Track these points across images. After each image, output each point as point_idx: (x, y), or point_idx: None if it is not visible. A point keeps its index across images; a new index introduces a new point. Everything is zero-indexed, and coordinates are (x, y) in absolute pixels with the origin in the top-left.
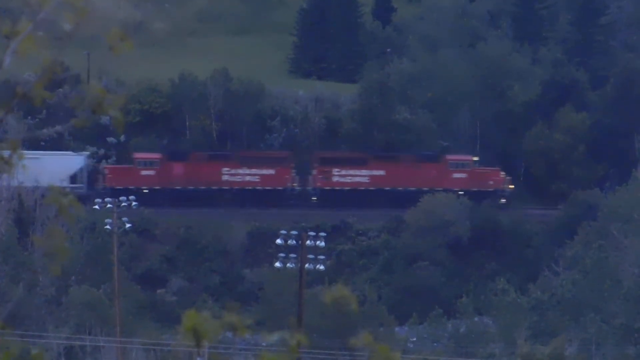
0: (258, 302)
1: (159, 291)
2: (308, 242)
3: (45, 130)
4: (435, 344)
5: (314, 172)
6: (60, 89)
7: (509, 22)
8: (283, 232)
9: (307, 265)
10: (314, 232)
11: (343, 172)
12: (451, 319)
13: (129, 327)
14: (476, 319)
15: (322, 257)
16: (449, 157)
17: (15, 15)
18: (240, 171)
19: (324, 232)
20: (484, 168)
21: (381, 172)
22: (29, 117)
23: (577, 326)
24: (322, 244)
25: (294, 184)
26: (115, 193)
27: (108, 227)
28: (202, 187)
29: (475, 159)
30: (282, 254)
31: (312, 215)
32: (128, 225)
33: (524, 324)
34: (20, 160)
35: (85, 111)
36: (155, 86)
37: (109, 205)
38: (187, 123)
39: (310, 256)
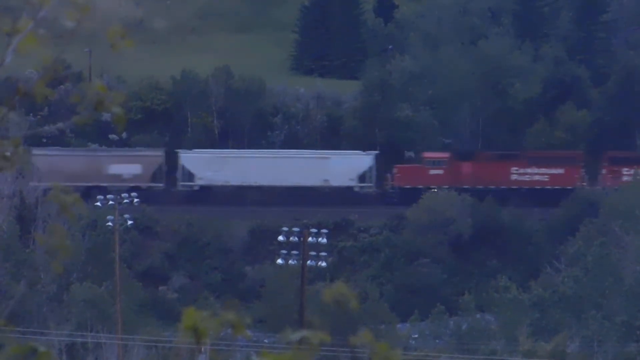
0: (260, 300)
1: (160, 288)
2: (310, 239)
3: (46, 128)
4: (437, 341)
5: (603, 171)
6: (62, 86)
7: (510, 19)
8: (285, 229)
9: (308, 262)
10: (315, 229)
11: (632, 172)
12: (453, 316)
13: (131, 325)
14: (478, 316)
15: (323, 254)
16: None
17: (16, 13)
18: (529, 170)
19: (326, 229)
20: None
21: None
22: (31, 114)
23: (578, 323)
24: (324, 240)
25: (583, 183)
26: (403, 192)
27: (110, 224)
28: (491, 187)
29: None
30: (283, 251)
31: (314, 212)
32: (130, 222)
33: (525, 321)
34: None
35: (87, 108)
36: (156, 83)
37: (110, 202)
38: (189, 120)
39: (312, 253)
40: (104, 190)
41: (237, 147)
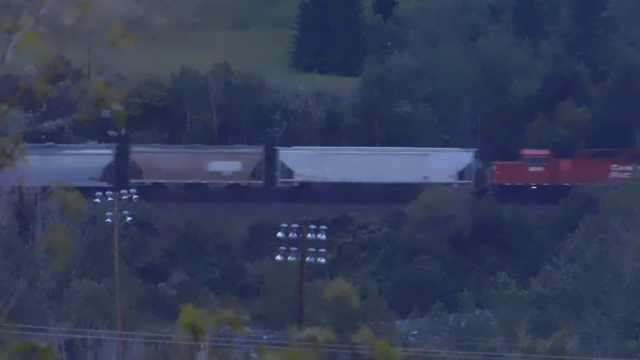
0: (259, 296)
1: (159, 285)
2: (309, 235)
3: (46, 124)
4: (436, 337)
5: None
6: (62, 83)
7: (510, 16)
8: (284, 225)
9: (308, 259)
10: (315, 225)
11: None
12: (452, 312)
13: (130, 321)
14: (477, 312)
15: (323, 250)
16: None
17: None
18: (629, 168)
19: (325, 225)
20: None
21: None
22: (30, 111)
23: (578, 320)
24: (323, 237)
25: None
26: (503, 189)
27: (109, 220)
28: (590, 184)
29: None
30: (283, 248)
31: (313, 208)
32: (129, 218)
33: (524, 317)
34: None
35: (87, 105)
36: (156, 80)
37: (109, 199)
38: (188, 117)
39: (311, 249)
40: (203, 188)
41: (236, 142)
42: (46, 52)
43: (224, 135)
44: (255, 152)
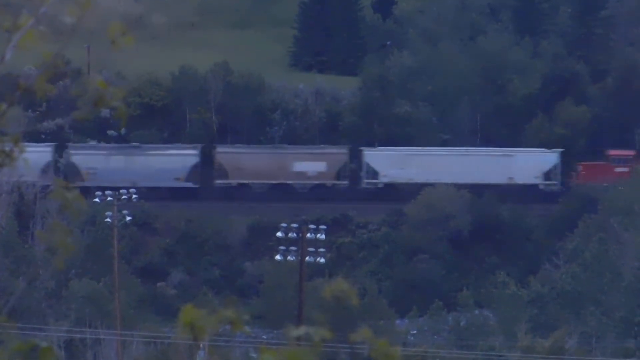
0: (258, 296)
1: (159, 284)
2: (308, 235)
3: (45, 123)
4: (435, 337)
5: None
6: (61, 82)
7: (509, 15)
8: (283, 225)
9: (307, 258)
10: (314, 225)
11: None
12: (451, 312)
13: (129, 321)
14: (476, 312)
15: (322, 250)
16: None
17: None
18: None
19: (325, 225)
20: None
21: None
22: (30, 110)
23: (577, 319)
24: (323, 236)
25: None
26: (588, 190)
27: (108, 220)
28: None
29: None
30: (282, 247)
31: (313, 208)
32: (128, 218)
33: (524, 317)
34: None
35: (87, 104)
36: (155, 79)
37: (109, 198)
38: (188, 116)
39: (311, 249)
40: (289, 188)
41: (235, 142)
42: (46, 51)
43: (223, 134)
44: (341, 153)
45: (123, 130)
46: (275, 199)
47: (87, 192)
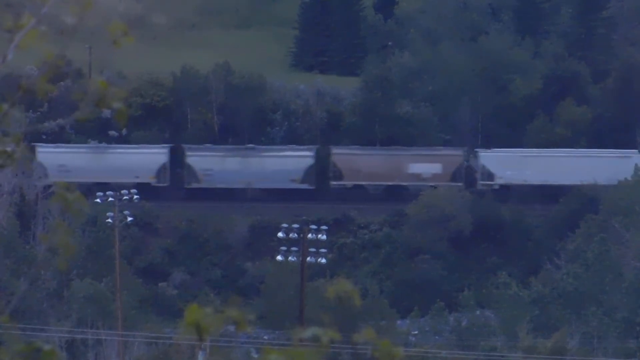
0: (259, 296)
1: (160, 285)
2: (310, 235)
3: (46, 124)
4: (436, 337)
5: None
6: (62, 82)
7: (510, 15)
8: (285, 225)
9: (308, 259)
10: (315, 225)
11: None
12: (453, 312)
13: (131, 321)
14: (478, 312)
15: (323, 250)
16: None
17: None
18: None
19: (326, 225)
20: None
21: None
22: (31, 111)
23: (578, 319)
24: (324, 237)
25: None
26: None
27: (109, 220)
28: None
29: None
30: (283, 248)
31: (314, 208)
32: (130, 218)
33: (525, 317)
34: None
35: (88, 105)
36: (156, 79)
37: (110, 199)
38: (189, 116)
39: (312, 249)
40: (403, 190)
41: (236, 142)
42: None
43: (224, 135)
44: (456, 155)
45: (124, 131)
46: (275, 199)
47: (203, 193)
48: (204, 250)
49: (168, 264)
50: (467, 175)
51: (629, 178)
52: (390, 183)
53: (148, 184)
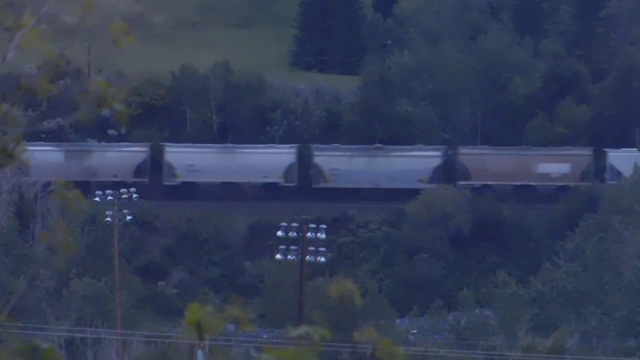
0: (259, 295)
1: (159, 284)
2: (309, 234)
3: (46, 123)
4: (436, 336)
5: None
6: (62, 81)
7: (510, 14)
8: (284, 224)
9: (307, 258)
10: (314, 224)
11: None
12: (452, 311)
13: (130, 320)
14: (477, 311)
15: (322, 249)
16: None
17: (19, 9)
18: None
19: (325, 224)
20: None
21: None
22: (30, 110)
23: (578, 318)
24: (323, 236)
25: None
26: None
27: (109, 219)
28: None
29: None
30: (282, 246)
31: (313, 207)
32: (129, 217)
33: (524, 316)
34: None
35: (89, 104)
36: (156, 78)
37: (109, 198)
38: (188, 115)
39: (311, 248)
40: (532, 190)
41: (236, 142)
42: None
43: (223, 134)
44: (585, 154)
45: (123, 130)
46: (274, 198)
47: (332, 192)
48: (203, 249)
49: (167, 263)
50: (596, 174)
51: None
52: (518, 183)
53: (275, 183)
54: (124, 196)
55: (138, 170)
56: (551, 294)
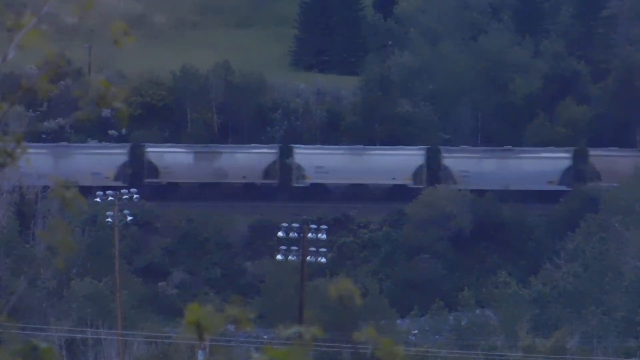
0: (259, 295)
1: (160, 284)
2: (309, 234)
3: (46, 123)
4: (436, 337)
5: None
6: (62, 82)
7: (511, 14)
8: (285, 224)
9: (308, 258)
10: (315, 224)
11: None
12: (453, 311)
13: (131, 320)
14: (478, 311)
15: (323, 249)
16: None
17: (19, 9)
18: None
19: (326, 224)
20: None
21: None
22: (30, 110)
23: (578, 319)
24: (324, 236)
25: None
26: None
27: (109, 219)
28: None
29: None
30: (283, 247)
31: (314, 208)
32: (129, 218)
33: (525, 316)
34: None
35: (89, 104)
36: (156, 79)
37: (110, 198)
38: (189, 116)
39: (312, 249)
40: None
41: (235, 142)
42: (49, 51)
43: (224, 134)
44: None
45: (124, 130)
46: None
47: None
48: (204, 249)
49: (168, 263)
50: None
51: None
52: None
53: (404, 185)
54: (124, 196)
55: (267, 172)
56: (552, 294)
